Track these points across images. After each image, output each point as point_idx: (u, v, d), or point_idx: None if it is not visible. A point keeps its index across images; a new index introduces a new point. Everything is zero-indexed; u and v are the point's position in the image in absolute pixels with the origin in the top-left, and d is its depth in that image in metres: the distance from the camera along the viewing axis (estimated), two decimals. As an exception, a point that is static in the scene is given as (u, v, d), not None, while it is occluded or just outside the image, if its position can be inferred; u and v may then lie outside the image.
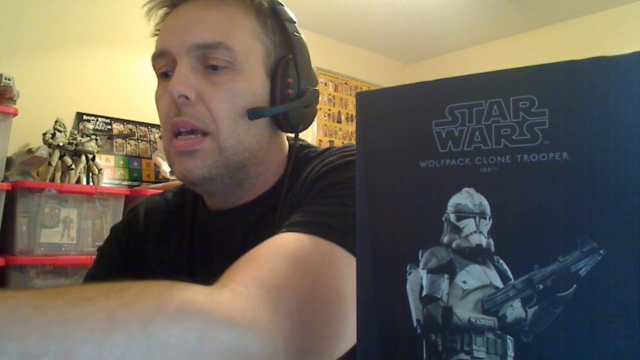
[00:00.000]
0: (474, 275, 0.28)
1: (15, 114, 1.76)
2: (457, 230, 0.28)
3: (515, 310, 0.27)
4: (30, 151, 1.89)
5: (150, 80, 2.49)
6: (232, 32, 0.60)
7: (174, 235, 0.72)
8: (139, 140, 2.41)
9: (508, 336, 0.27)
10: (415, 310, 0.29)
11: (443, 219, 0.29)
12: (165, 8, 0.65)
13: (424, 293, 0.29)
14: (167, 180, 2.23)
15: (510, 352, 0.26)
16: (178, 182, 2.38)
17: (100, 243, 2.17)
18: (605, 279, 0.25)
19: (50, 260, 1.77)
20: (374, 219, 0.31)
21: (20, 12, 2.15)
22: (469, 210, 0.28)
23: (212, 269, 0.66)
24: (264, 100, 0.62)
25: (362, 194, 0.32)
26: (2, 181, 1.75)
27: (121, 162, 2.32)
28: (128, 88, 2.43)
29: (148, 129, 2.46)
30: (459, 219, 0.28)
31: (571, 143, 0.26)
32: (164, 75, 0.63)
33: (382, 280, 0.31)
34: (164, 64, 0.62)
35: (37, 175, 1.96)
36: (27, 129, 2.00)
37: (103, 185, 2.06)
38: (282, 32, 0.65)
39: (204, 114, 0.59)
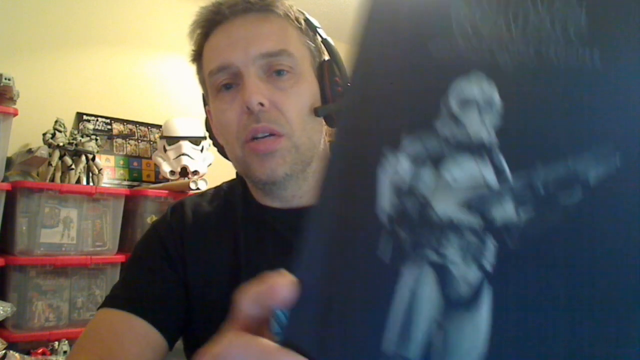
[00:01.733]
0: (465, 170, 0.24)
1: (15, 114, 1.76)
2: (456, 117, 0.24)
3: (506, 213, 0.23)
4: (30, 151, 1.89)
5: (150, 80, 2.46)
6: (288, 40, 0.67)
7: (226, 235, 0.71)
8: (139, 140, 2.41)
9: (492, 241, 0.23)
10: (389, 202, 0.25)
11: (441, 101, 0.25)
12: (202, 29, 0.70)
13: (401, 183, 0.25)
14: (167, 180, 2.22)
15: (491, 259, 0.23)
16: (179, 183, 2.36)
17: (100, 243, 2.14)
18: (618, 187, 0.21)
19: (50, 260, 1.77)
20: (364, 86, 0.27)
21: (20, 12, 2.14)
22: (475, 97, 0.24)
23: (262, 258, 0.66)
24: (318, 99, 0.69)
25: (356, 58, 0.27)
26: (2, 181, 1.74)
27: (121, 162, 2.32)
28: (128, 88, 2.43)
29: (148, 129, 2.45)
30: (461, 105, 0.24)
31: (604, 45, 0.23)
32: (225, 88, 0.67)
33: (353, 162, 0.26)
34: (225, 78, 0.66)
35: (37, 175, 1.95)
36: (27, 129, 1.99)
37: (103, 185, 2.05)
38: (317, 38, 0.72)
39: (279, 118, 0.64)
